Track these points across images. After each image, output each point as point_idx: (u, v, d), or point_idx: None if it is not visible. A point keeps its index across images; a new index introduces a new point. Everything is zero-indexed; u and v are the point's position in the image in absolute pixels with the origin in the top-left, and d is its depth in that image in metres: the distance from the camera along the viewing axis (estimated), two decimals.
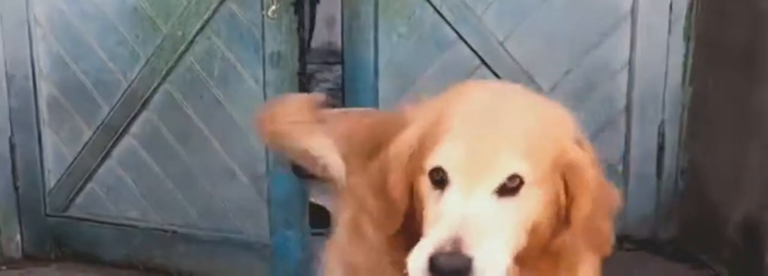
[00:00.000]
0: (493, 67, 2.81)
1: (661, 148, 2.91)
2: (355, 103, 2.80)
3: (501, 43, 2.80)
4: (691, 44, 2.82)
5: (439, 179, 1.29)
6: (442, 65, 2.80)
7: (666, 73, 2.85)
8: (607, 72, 2.85)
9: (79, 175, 2.92)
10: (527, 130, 1.31)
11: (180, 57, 2.77)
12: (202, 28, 2.73)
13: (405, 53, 2.80)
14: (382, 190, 1.37)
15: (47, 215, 2.96)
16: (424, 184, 1.32)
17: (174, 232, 2.85)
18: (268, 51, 2.70)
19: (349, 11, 2.74)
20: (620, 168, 2.93)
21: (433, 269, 1.21)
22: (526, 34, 2.80)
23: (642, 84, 2.86)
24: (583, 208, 1.32)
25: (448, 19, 2.76)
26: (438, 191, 1.29)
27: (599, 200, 1.34)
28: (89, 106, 2.85)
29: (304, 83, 2.81)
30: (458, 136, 1.30)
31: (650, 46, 2.82)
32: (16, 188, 2.92)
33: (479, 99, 1.38)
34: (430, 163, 1.30)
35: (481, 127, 1.30)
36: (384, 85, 2.80)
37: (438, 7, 2.75)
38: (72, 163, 2.90)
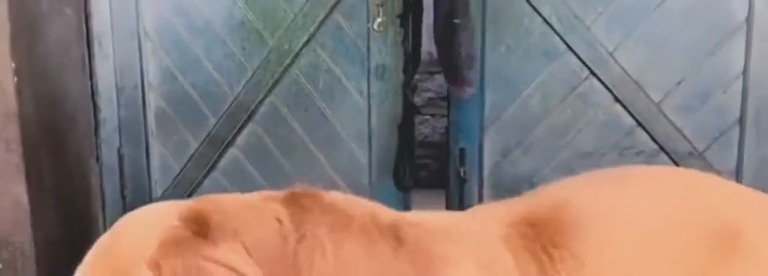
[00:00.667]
0: (603, 78, 2.77)
1: None
2: (460, 114, 2.81)
3: (610, 53, 2.76)
4: None
5: None
6: (550, 76, 2.78)
7: None
8: (720, 82, 2.78)
9: (185, 186, 2.99)
10: None
11: (285, 70, 2.82)
12: (308, 41, 2.78)
13: (512, 64, 2.79)
14: None
15: None
16: None
17: None
18: (373, 63, 2.73)
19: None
20: (733, 181, 2.85)
21: None
22: (637, 44, 2.76)
23: (756, 94, 2.77)
24: None
25: (557, 29, 2.74)
26: None
27: None
28: (196, 118, 2.92)
29: (409, 96, 2.83)
30: None
31: (766, 56, 2.75)
32: (123, 197, 3.00)
33: None
34: None
35: None
36: (490, 96, 2.80)
37: (547, 18, 2.74)
38: (179, 174, 2.97)
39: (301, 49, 2.79)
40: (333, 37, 2.78)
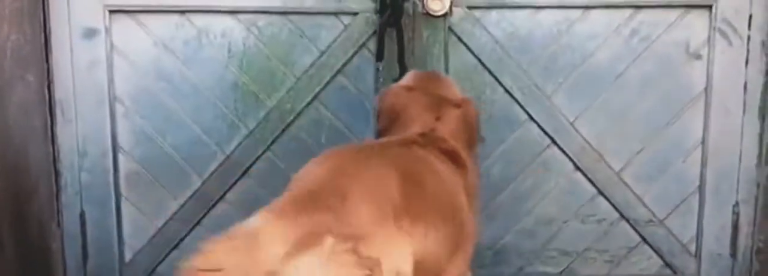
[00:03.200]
0: (564, 147, 2.80)
1: (735, 228, 2.86)
2: None
3: (572, 123, 2.79)
4: (767, 123, 2.77)
5: None
6: (512, 144, 2.80)
7: (740, 153, 2.81)
8: (680, 151, 2.82)
9: (163, 246, 2.94)
10: None
11: (287, 127, 2.84)
12: (311, 101, 2.82)
13: None
14: None
15: None
16: None
17: None
18: None
19: None
20: (693, 248, 2.88)
21: None
22: (597, 114, 2.79)
23: (716, 163, 2.82)
24: None
25: (519, 99, 2.77)
26: None
27: None
28: (178, 178, 2.89)
29: None
30: None
31: (724, 126, 2.79)
32: (85, 261, 2.93)
33: None
34: None
35: None
36: None
37: (508, 88, 2.76)
38: (155, 235, 2.93)
39: (304, 109, 2.82)
40: (337, 95, 2.81)
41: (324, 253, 1.79)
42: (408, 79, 2.35)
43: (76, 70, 2.80)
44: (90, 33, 2.78)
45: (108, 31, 2.77)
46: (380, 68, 2.72)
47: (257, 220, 1.97)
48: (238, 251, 1.88)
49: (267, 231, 1.88)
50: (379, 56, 2.71)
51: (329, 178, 2.01)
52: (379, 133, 2.29)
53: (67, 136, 2.85)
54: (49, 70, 2.80)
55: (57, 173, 2.88)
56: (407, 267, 1.85)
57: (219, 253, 1.89)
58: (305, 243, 1.81)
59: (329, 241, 1.79)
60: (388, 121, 2.25)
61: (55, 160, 2.86)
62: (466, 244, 2.02)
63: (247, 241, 1.88)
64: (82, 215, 2.91)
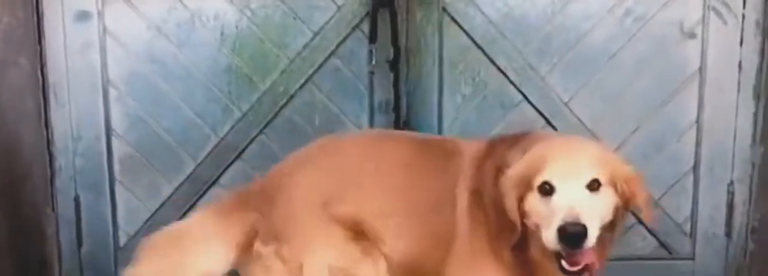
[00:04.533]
0: (558, 127, 2.80)
1: (730, 207, 2.86)
2: None
3: (566, 104, 2.79)
4: (761, 103, 2.78)
5: (547, 189, 1.86)
6: (507, 126, 2.80)
7: (735, 132, 2.81)
8: (674, 131, 2.82)
9: (156, 228, 2.92)
10: (593, 154, 1.92)
11: (280, 110, 2.83)
12: (305, 83, 2.81)
13: (469, 114, 2.80)
14: (501, 210, 1.90)
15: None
16: (534, 196, 1.88)
17: None
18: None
19: (413, 72, 2.76)
20: (688, 228, 2.89)
21: (562, 235, 1.77)
22: (592, 94, 2.79)
23: (710, 143, 2.82)
24: (640, 200, 1.94)
25: (513, 80, 2.77)
26: (546, 198, 1.86)
27: (646, 199, 1.98)
28: (171, 161, 2.88)
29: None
30: (555, 160, 1.88)
31: (719, 105, 2.79)
32: (79, 245, 2.93)
33: (557, 140, 2.03)
34: (539, 179, 1.86)
35: (566, 154, 1.91)
36: None
37: (503, 69, 2.76)
38: (149, 217, 2.92)
39: (296, 91, 2.81)
40: (331, 78, 2.80)
41: (252, 258, 1.96)
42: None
43: (69, 54, 2.79)
44: (83, 16, 2.77)
45: (101, 14, 2.76)
46: (374, 50, 2.71)
47: (196, 216, 2.09)
48: (172, 246, 2.02)
49: (202, 227, 2.01)
50: (373, 38, 2.71)
51: (279, 170, 2.10)
52: None
53: (60, 120, 2.84)
54: (42, 54, 2.79)
55: (51, 157, 2.87)
56: (340, 260, 1.96)
57: (157, 246, 2.04)
58: (236, 243, 1.97)
59: (256, 244, 1.95)
60: None
61: (48, 143, 2.86)
62: (459, 247, 2.00)
63: (182, 236, 2.03)
64: (76, 199, 2.91)
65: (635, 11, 2.73)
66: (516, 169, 1.90)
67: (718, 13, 2.72)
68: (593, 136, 2.79)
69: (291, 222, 1.96)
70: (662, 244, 2.90)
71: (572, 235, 1.77)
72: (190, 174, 2.88)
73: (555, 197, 1.84)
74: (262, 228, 1.98)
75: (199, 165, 2.88)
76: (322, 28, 2.76)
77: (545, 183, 1.85)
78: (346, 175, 1.99)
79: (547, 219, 1.83)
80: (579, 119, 2.80)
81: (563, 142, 1.99)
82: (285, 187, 2.00)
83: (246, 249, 2.00)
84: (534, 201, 1.87)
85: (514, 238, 1.90)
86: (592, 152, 1.92)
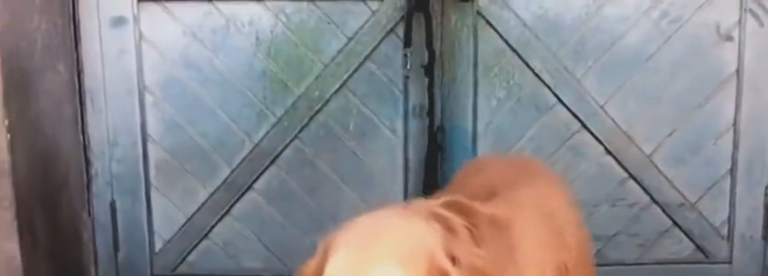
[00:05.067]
0: (594, 130, 2.79)
1: (767, 210, 2.84)
2: (453, 167, 2.80)
3: (601, 106, 2.78)
4: None
5: None
6: (541, 129, 2.79)
7: None
8: (711, 134, 2.80)
9: (193, 234, 2.94)
10: (400, 244, 1.50)
11: (314, 115, 2.84)
12: (339, 88, 2.81)
13: (504, 117, 2.80)
14: None
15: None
16: None
17: None
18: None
19: (448, 76, 2.76)
20: (725, 231, 2.87)
21: None
22: (628, 97, 2.78)
23: (747, 145, 2.80)
24: None
25: (548, 82, 2.76)
26: None
27: None
28: (206, 166, 2.89)
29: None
30: (343, 252, 1.48)
31: (756, 107, 2.77)
32: (116, 251, 2.94)
33: (360, 223, 1.57)
34: None
35: (362, 244, 1.49)
36: (483, 149, 2.81)
37: (538, 72, 2.75)
38: (185, 223, 2.93)
39: (331, 96, 2.82)
40: (366, 83, 2.81)
41: None
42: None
43: (105, 60, 2.81)
44: (118, 22, 2.79)
45: (136, 19, 2.78)
46: (408, 54, 2.72)
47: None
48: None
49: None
50: (407, 42, 2.71)
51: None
52: None
53: (97, 126, 2.86)
54: (78, 60, 2.81)
55: (87, 163, 2.89)
56: None
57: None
58: None
59: None
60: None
61: (85, 149, 2.87)
62: None
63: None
64: (112, 204, 2.92)
65: (671, 13, 2.72)
66: (314, 259, 1.57)
67: (755, 15, 2.71)
68: (629, 138, 2.79)
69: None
70: (699, 248, 2.88)
71: None
72: (226, 179, 2.89)
73: None
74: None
75: (234, 170, 2.88)
76: (356, 32, 2.76)
77: None
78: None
79: None
80: (614, 122, 2.79)
81: (365, 225, 1.57)
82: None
83: None
84: None
85: None
86: (396, 242, 1.50)
